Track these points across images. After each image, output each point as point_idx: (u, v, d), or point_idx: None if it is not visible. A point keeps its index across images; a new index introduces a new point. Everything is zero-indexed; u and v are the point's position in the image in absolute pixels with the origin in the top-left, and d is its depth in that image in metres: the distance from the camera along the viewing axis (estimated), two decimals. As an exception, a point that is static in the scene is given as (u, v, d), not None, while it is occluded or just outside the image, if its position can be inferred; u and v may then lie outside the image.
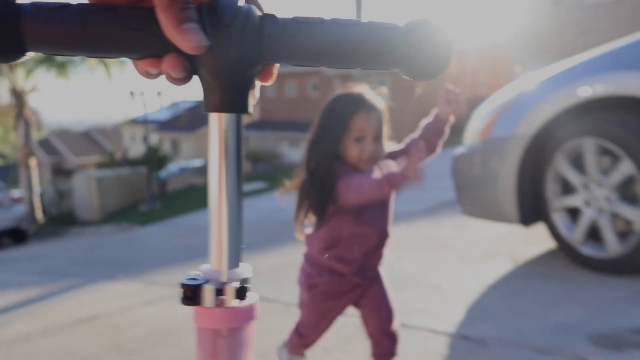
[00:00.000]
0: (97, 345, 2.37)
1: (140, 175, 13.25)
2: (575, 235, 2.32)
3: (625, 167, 2.08)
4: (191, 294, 0.45)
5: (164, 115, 29.16)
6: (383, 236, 1.37)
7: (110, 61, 13.73)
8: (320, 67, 0.48)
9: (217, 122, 0.44)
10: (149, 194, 11.89)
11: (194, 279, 0.46)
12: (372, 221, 1.34)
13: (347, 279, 1.36)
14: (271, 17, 0.43)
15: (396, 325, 1.41)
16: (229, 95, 0.44)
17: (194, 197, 12.08)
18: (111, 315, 2.88)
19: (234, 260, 0.46)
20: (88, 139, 37.09)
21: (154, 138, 28.00)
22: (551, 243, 2.64)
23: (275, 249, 4.49)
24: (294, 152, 23.26)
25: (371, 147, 1.26)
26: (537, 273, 2.45)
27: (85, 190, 13.02)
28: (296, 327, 1.51)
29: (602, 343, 1.64)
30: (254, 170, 13.69)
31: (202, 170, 14.61)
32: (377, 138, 1.28)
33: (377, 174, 1.23)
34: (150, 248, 6.46)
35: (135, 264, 5.10)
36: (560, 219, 2.40)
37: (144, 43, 0.42)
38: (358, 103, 1.28)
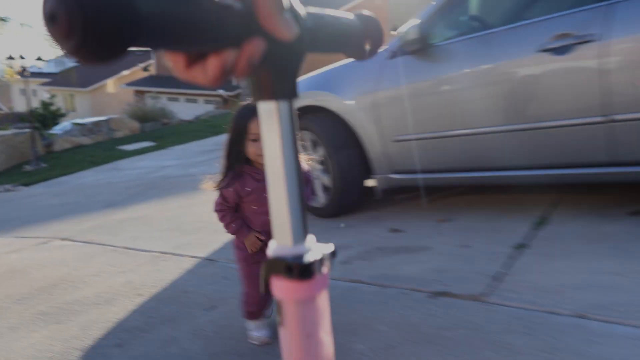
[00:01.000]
0: (-33, 281, 3.28)
1: (25, 135, 13.24)
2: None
3: (321, 151, 3.30)
4: (303, 270, 0.46)
5: (54, 69, 27.80)
6: None
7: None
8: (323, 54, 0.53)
9: (277, 109, 0.45)
10: (33, 154, 12.08)
11: (292, 257, 0.47)
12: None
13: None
14: (304, 10, 0.46)
15: None
16: (292, 82, 0.46)
17: (80, 156, 12.44)
18: (-19, 261, 3.76)
19: (305, 231, 0.49)
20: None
21: (45, 93, 26.74)
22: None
23: (132, 205, 5.43)
24: (190, 108, 23.54)
25: None
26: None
27: (-34, 152, 12.87)
28: (241, 296, 1.79)
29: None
30: (142, 130, 14.15)
31: (92, 129, 14.77)
32: None
33: (230, 218, 1.65)
34: (28, 206, 7.11)
35: (12, 221, 5.82)
36: (299, 182, 3.62)
37: (236, 26, 0.39)
38: (254, 110, 1.51)
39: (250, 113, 1.55)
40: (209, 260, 2.91)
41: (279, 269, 0.47)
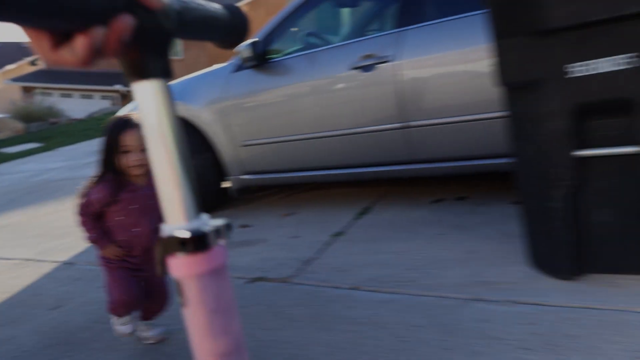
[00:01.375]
0: None
1: None
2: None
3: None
4: (197, 242, 0.46)
5: None
6: (155, 237, 1.66)
7: None
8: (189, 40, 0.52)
9: (152, 88, 0.45)
10: None
11: (185, 231, 0.46)
12: (138, 225, 1.70)
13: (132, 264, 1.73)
14: None
15: (163, 307, 1.84)
16: (165, 61, 0.46)
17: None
18: None
19: (197, 209, 0.48)
20: None
21: None
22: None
23: (4, 213, 5.33)
24: (85, 104, 22.47)
25: (135, 158, 1.60)
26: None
27: None
28: (108, 298, 1.81)
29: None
30: (27, 130, 13.39)
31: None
32: (145, 150, 1.57)
33: (90, 225, 1.68)
34: None
35: None
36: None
37: (101, 0, 0.38)
38: (125, 124, 1.61)
39: (121, 126, 1.62)
40: (68, 264, 3.08)
41: (173, 246, 0.47)
